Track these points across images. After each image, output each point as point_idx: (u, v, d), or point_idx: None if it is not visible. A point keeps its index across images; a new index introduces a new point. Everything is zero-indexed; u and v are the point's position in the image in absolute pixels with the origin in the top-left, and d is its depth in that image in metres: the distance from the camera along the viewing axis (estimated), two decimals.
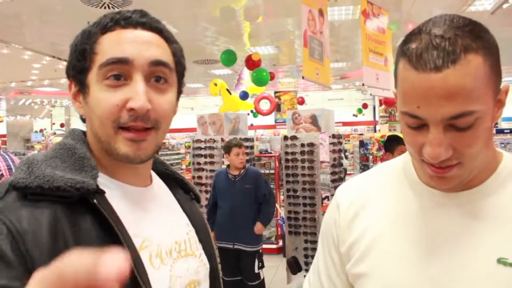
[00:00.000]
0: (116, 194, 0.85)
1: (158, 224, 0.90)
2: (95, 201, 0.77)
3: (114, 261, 0.38)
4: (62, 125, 22.74)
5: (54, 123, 23.73)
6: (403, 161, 0.98)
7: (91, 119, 0.84)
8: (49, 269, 0.39)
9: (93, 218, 0.77)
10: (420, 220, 0.89)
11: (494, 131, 13.16)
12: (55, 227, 0.72)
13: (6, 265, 0.66)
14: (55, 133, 13.52)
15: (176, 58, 0.89)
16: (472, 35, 0.74)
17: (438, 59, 0.73)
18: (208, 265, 0.99)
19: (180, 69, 0.91)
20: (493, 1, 7.21)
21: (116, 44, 0.81)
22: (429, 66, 0.73)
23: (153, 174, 0.99)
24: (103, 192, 0.80)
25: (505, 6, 7.16)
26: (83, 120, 0.91)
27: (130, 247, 0.78)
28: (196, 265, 0.95)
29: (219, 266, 1.06)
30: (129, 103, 0.79)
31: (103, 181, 0.84)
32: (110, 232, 0.77)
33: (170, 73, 0.86)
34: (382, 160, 5.22)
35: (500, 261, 0.78)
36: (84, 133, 0.92)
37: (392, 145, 4.82)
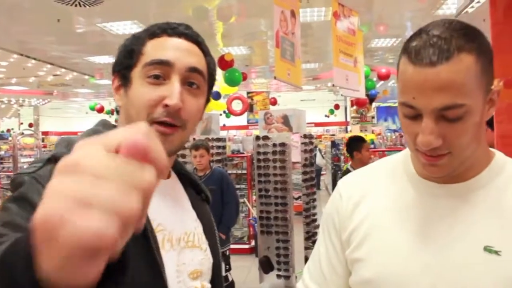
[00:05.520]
0: None
1: (171, 214, 0.99)
2: None
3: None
4: (30, 125, 22.21)
5: (22, 123, 23.14)
6: (402, 156, 1.05)
7: (129, 110, 0.93)
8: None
9: None
10: (415, 210, 0.95)
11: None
12: None
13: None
14: (23, 133, 13.19)
15: (209, 70, 1.00)
16: (466, 37, 0.82)
17: (434, 55, 0.80)
18: (212, 260, 1.07)
19: (211, 80, 1.02)
20: (458, 5, 7.40)
21: (161, 48, 0.93)
22: (425, 61, 0.81)
23: (172, 171, 1.08)
24: None
25: (470, 10, 7.35)
26: (118, 112, 1.01)
27: (149, 228, 0.88)
28: (201, 257, 1.02)
29: (222, 265, 1.14)
30: (165, 100, 0.89)
31: None
32: None
33: (203, 81, 0.97)
34: (346, 161, 5.32)
35: (486, 248, 0.85)
36: (113, 125, 1.01)
37: (358, 144, 4.91)
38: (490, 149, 0.99)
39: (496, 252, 0.84)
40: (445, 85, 0.80)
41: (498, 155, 0.97)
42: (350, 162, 5.19)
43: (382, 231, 0.97)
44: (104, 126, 0.97)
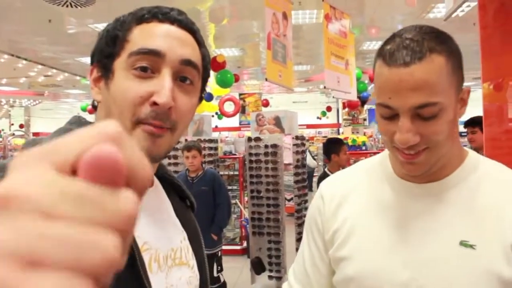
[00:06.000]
0: None
1: (156, 229, 0.87)
2: None
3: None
4: (21, 126, 22.03)
5: (12, 124, 22.97)
6: (380, 158, 1.10)
7: (109, 107, 0.80)
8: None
9: None
10: (394, 209, 1.00)
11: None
12: None
13: None
14: (13, 134, 13.12)
15: (204, 63, 0.87)
16: (437, 39, 0.88)
17: (407, 56, 0.85)
18: (199, 276, 0.96)
19: (205, 75, 0.89)
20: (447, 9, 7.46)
21: (150, 35, 0.80)
22: (399, 62, 0.86)
23: (154, 178, 0.94)
24: None
25: (460, 14, 7.42)
26: (95, 107, 0.88)
27: (135, 247, 0.76)
28: (189, 275, 0.92)
29: (209, 278, 1.03)
30: (154, 97, 0.76)
31: None
32: None
33: (197, 76, 0.84)
34: (326, 161, 5.31)
35: (462, 243, 0.90)
36: (90, 122, 0.85)
37: (336, 147, 4.93)
38: (465, 148, 1.03)
39: (472, 246, 0.88)
40: (419, 84, 0.84)
41: (471, 154, 1.01)
42: (327, 166, 5.16)
43: (364, 230, 1.01)
44: (80, 125, 0.82)
